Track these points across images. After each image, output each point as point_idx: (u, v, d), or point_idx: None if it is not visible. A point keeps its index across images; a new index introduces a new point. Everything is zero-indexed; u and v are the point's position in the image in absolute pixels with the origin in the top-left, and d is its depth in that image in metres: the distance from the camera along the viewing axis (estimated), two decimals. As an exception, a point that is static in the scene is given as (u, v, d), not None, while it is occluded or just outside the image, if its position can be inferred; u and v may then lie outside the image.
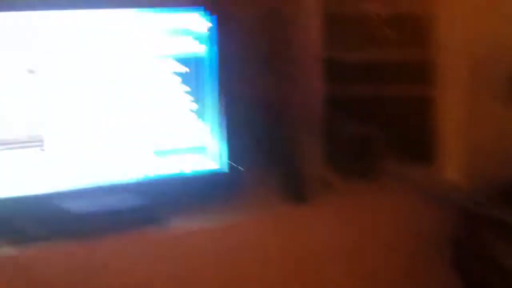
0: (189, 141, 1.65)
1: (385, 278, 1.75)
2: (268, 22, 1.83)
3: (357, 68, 1.91)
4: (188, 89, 1.62)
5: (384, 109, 1.93)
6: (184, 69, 1.61)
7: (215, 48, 1.64)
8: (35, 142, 1.49)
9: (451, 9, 1.74)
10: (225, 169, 1.69)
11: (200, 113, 1.64)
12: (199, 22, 1.62)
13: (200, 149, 1.66)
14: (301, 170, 1.74)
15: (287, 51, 1.86)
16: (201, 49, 1.63)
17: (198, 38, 1.63)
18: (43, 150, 1.49)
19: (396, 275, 1.75)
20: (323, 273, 1.69)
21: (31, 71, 1.47)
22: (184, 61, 1.61)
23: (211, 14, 1.63)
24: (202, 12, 1.62)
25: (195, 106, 1.64)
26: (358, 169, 1.86)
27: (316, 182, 1.77)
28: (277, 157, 1.82)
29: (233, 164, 1.70)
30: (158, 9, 1.59)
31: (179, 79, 1.61)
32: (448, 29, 1.75)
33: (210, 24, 1.63)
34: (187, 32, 1.61)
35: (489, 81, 1.74)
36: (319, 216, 1.71)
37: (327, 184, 1.80)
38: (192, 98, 1.63)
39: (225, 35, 1.65)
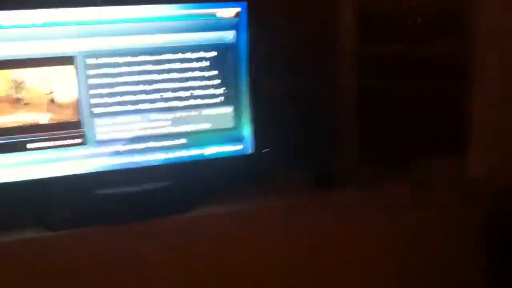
0: (216, 123, 1.67)
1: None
2: (300, 12, 1.82)
3: (390, 61, 1.88)
4: (217, 73, 1.64)
5: (417, 102, 1.90)
6: (214, 54, 1.63)
7: (245, 33, 1.66)
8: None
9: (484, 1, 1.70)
10: (249, 150, 1.72)
11: (228, 97, 1.67)
12: (229, 9, 1.63)
13: (227, 132, 1.69)
14: (330, 159, 1.76)
15: (318, 41, 1.87)
16: (230, 35, 1.66)
17: (228, 24, 1.63)
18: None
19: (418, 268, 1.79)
20: (340, 261, 1.74)
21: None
22: (214, 47, 1.62)
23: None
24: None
25: (223, 89, 1.66)
26: (389, 161, 1.85)
27: (344, 172, 1.79)
28: (304, 143, 1.84)
29: (258, 146, 1.72)
30: (198, 4, 1.60)
31: (208, 63, 1.63)
32: (482, 21, 1.71)
33: (239, 10, 1.65)
34: (216, 18, 1.62)
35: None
36: (342, 204, 1.73)
37: (355, 174, 1.81)
38: (220, 82, 1.65)
39: (255, 21, 1.65)
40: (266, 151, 1.75)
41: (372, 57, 1.85)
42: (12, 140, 1.49)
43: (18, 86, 1.46)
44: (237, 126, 1.70)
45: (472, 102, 1.79)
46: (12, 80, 1.46)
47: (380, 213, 1.74)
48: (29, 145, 1.51)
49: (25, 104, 1.47)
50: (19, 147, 1.50)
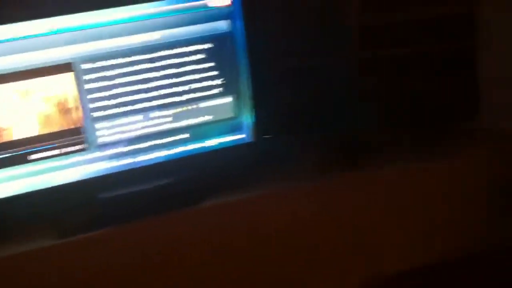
0: (217, 114, 1.66)
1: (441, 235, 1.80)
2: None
3: (397, 28, 1.85)
4: (214, 64, 1.61)
5: (427, 66, 1.88)
6: (209, 46, 1.59)
7: (240, 21, 1.61)
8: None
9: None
10: (251, 138, 1.71)
11: (227, 87, 1.64)
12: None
13: (228, 122, 1.68)
14: (351, 135, 1.75)
15: (319, 16, 1.83)
16: (225, 25, 1.61)
17: (221, 13, 1.60)
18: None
19: (452, 231, 1.80)
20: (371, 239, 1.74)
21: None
22: (209, 38, 1.59)
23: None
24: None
25: (222, 80, 1.63)
26: (407, 130, 1.85)
27: (370, 146, 1.79)
28: (314, 124, 1.82)
29: (261, 133, 1.71)
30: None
31: (205, 56, 1.60)
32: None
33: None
34: (208, 8, 1.58)
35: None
36: (372, 181, 1.72)
37: (382, 147, 1.81)
38: (218, 73, 1.62)
39: (249, 7, 1.61)
40: (269, 137, 1.74)
41: (376, 26, 1.83)
42: (15, 153, 1.48)
43: (20, 97, 1.43)
44: (238, 115, 1.68)
45: (482, 64, 1.79)
46: (15, 92, 1.43)
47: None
48: (31, 156, 1.49)
49: (28, 114, 1.45)
50: (22, 159, 1.49)
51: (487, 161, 1.78)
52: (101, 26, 1.49)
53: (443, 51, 1.86)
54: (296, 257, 1.71)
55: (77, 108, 1.51)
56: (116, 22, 1.51)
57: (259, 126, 1.71)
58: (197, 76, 1.61)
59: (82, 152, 1.54)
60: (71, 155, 1.53)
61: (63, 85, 1.48)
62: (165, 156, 1.64)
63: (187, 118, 1.63)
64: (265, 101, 1.70)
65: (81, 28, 1.48)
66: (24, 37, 1.44)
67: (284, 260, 1.70)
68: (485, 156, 1.78)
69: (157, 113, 1.60)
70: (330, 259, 1.73)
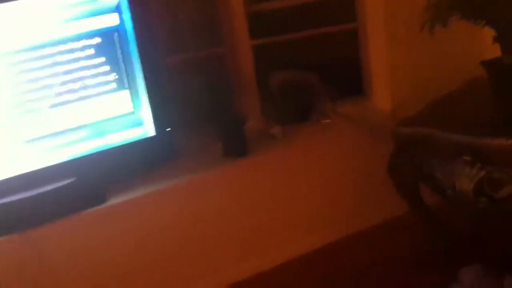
0: (113, 110, 1.63)
1: (334, 209, 1.88)
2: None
3: (280, 16, 1.93)
4: (105, 59, 1.59)
5: (312, 51, 1.98)
6: (99, 40, 1.57)
7: (128, 14, 1.61)
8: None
9: None
10: (152, 132, 1.70)
11: (121, 82, 1.63)
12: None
13: (126, 117, 1.66)
14: (239, 125, 1.77)
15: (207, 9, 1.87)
16: (113, 19, 1.61)
17: (109, 7, 1.58)
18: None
19: (344, 204, 1.89)
20: (270, 219, 1.80)
21: None
22: (98, 33, 1.57)
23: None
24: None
25: (115, 75, 1.62)
26: (296, 114, 1.93)
27: (256, 134, 1.83)
28: (210, 116, 1.84)
29: (162, 127, 1.71)
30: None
31: (95, 51, 1.58)
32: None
33: (118, -9, 1.61)
34: (96, 1, 1.57)
35: (408, 11, 1.80)
36: (262, 166, 1.77)
37: (267, 134, 1.85)
38: (110, 68, 1.61)
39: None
40: (169, 130, 1.74)
41: (262, 14, 1.89)
42: None
43: None
44: (136, 110, 1.67)
45: (365, 45, 1.90)
46: None
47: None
48: None
49: None
50: None
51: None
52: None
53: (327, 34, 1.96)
54: (209, 243, 1.72)
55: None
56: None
57: (159, 119, 1.70)
58: (89, 72, 1.59)
59: (-26, 158, 1.46)
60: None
61: None
62: (66, 156, 1.59)
63: (83, 115, 1.60)
64: (160, 94, 1.70)
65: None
66: None
67: (194, 248, 1.70)
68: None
69: (51, 113, 1.55)
70: (243, 238, 1.77)
